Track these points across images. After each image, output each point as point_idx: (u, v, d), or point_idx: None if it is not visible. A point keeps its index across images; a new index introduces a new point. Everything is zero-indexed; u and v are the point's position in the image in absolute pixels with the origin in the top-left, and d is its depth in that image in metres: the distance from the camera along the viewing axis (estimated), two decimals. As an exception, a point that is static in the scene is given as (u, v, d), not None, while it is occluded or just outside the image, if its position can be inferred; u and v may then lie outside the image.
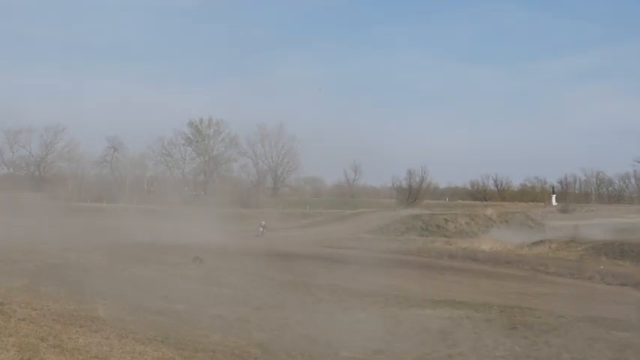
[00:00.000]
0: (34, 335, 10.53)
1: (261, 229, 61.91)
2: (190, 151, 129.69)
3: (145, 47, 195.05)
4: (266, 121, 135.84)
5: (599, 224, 74.86)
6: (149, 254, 30.55)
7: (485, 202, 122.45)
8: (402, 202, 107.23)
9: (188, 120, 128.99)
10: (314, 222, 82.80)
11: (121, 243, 36.35)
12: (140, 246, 35.47)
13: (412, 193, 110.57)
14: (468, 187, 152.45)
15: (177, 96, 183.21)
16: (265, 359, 12.41)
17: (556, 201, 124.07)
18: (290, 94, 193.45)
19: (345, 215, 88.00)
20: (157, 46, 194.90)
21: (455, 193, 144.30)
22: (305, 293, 21.89)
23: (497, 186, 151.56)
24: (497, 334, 16.21)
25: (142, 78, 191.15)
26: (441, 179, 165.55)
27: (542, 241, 52.32)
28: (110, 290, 18.80)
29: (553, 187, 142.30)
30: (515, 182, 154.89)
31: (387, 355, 13.77)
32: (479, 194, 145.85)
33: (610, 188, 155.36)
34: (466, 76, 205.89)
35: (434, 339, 15.49)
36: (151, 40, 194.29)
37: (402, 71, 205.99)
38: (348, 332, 15.84)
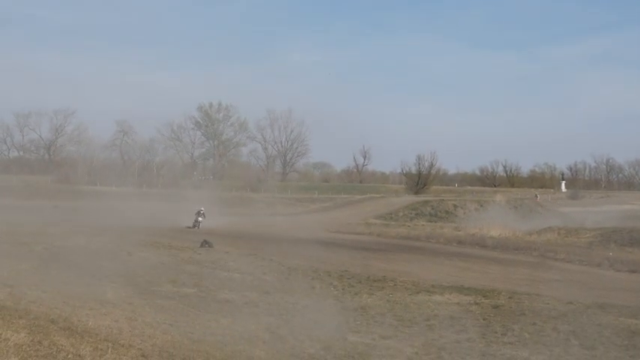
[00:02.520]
0: (44, 317, 10.57)
1: (200, 218, 43.73)
2: (199, 135, 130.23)
3: (155, 31, 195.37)
4: (275, 106, 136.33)
5: (608, 211, 74.75)
6: (157, 238, 30.66)
7: (495, 188, 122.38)
8: (411, 188, 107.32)
9: (197, 104, 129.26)
10: (323, 207, 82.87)
11: (130, 226, 36.46)
12: (148, 229, 35.58)
13: (421, 179, 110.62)
14: (477, 173, 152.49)
15: (187, 80, 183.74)
16: (274, 343, 12.45)
17: (565, 187, 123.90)
18: (299, 79, 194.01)
19: (353, 201, 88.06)
20: (167, 30, 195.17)
21: (464, 179, 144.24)
22: (313, 278, 21.93)
23: (506, 172, 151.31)
24: (506, 320, 16.23)
25: (152, 62, 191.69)
26: (450, 165, 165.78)
27: (551, 228, 52.22)
28: (119, 273, 18.87)
29: (562, 174, 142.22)
30: (525, 168, 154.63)
31: (395, 340, 13.78)
32: (488, 180, 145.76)
33: (620, 175, 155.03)
34: (477, 62, 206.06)
35: (442, 325, 15.50)
36: (161, 25, 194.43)
37: (413, 56, 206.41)
38: (356, 317, 15.87)
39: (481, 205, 75.77)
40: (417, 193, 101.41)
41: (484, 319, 16.28)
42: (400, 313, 16.71)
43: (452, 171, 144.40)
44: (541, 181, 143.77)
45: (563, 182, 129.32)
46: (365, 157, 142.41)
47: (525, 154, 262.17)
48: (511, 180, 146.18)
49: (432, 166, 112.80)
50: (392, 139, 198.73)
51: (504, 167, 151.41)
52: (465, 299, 19.25)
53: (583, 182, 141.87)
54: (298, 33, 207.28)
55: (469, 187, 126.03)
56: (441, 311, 17.21)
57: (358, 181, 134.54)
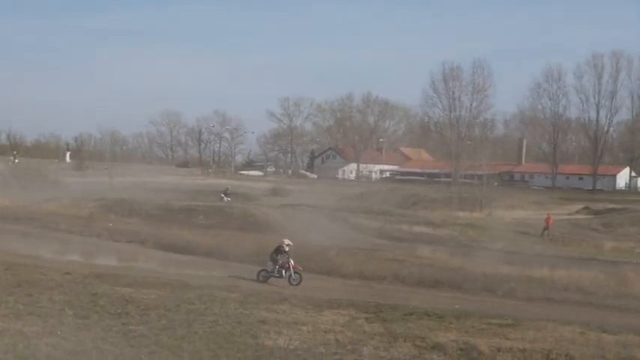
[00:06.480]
0: None
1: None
2: None
3: None
4: None
5: (111, 182, 76.58)
6: None
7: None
8: None
9: None
10: None
11: None
12: None
13: None
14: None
15: None
16: None
17: (70, 158, 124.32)
18: None
19: None
20: None
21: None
22: None
23: (9, 140, 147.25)
24: (1, 292, 15.94)
25: None
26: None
27: (54, 199, 52.00)
28: None
29: (68, 144, 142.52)
30: (30, 137, 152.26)
31: None
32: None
33: (124, 147, 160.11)
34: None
35: None
36: None
37: None
38: None
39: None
40: None
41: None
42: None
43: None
44: (46, 151, 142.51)
45: (68, 153, 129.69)
46: None
47: (32, 124, 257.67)
48: (15, 148, 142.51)
49: None
50: None
51: (8, 135, 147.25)
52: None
53: (88, 153, 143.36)
54: None
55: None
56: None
57: None
